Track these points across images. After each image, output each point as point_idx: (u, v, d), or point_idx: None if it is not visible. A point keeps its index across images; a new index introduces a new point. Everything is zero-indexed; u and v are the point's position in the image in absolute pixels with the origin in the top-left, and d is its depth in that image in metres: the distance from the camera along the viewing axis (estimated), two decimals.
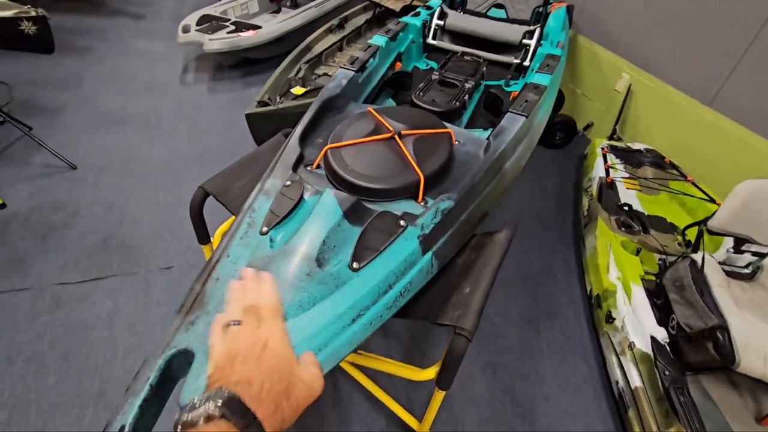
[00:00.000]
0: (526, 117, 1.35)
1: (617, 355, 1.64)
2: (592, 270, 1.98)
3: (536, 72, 1.66)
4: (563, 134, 3.01)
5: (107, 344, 1.70)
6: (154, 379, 0.65)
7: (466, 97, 1.65)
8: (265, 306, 0.59)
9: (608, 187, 2.24)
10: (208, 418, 0.43)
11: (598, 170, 2.40)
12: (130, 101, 3.17)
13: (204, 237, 1.30)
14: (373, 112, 1.28)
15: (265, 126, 2.43)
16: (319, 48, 3.49)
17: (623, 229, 1.99)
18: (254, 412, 0.44)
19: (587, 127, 3.12)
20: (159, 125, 2.96)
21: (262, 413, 0.45)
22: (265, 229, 0.90)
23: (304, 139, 1.23)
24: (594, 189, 2.29)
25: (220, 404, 0.43)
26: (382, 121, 1.24)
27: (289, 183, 1.02)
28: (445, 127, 1.25)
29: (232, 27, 3.55)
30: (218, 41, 3.28)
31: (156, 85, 3.40)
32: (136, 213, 2.27)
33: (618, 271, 1.82)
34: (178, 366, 0.69)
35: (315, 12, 3.98)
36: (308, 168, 1.12)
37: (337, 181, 1.05)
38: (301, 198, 0.98)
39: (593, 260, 1.99)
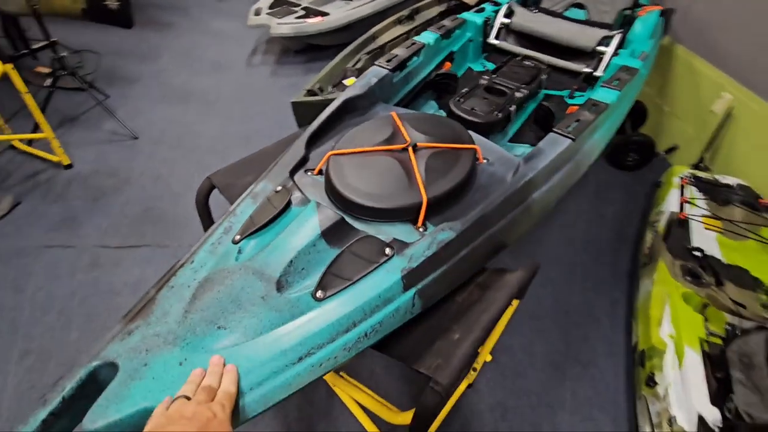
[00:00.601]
0: (573, 140, 1.14)
1: (652, 427, 1.40)
2: (642, 320, 1.71)
3: (602, 86, 1.43)
4: (638, 156, 2.65)
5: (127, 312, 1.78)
6: (69, 391, 0.61)
7: (513, 108, 1.46)
8: (222, 391, 0.62)
9: (679, 224, 1.92)
10: None
11: (670, 203, 2.06)
12: (195, 78, 3.32)
13: (208, 226, 1.28)
14: (396, 117, 1.16)
15: (310, 116, 2.37)
16: (383, 39, 3.38)
17: (689, 278, 1.69)
18: None
19: (670, 150, 2.73)
20: (216, 104, 3.06)
21: None
22: (237, 237, 0.83)
23: (314, 141, 1.14)
24: (662, 225, 1.98)
25: None
26: (401, 128, 1.11)
27: (279, 188, 0.94)
28: (472, 142, 1.10)
29: (302, 12, 3.56)
30: (285, 26, 3.30)
31: (223, 65, 3.52)
32: (179, 188, 2.36)
33: (672, 327, 1.54)
34: (105, 378, 0.65)
35: (386, 1, 3.87)
36: (309, 173, 1.04)
37: (330, 192, 0.95)
38: (288, 206, 0.90)
39: (645, 309, 1.72)
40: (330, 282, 0.76)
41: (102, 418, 0.57)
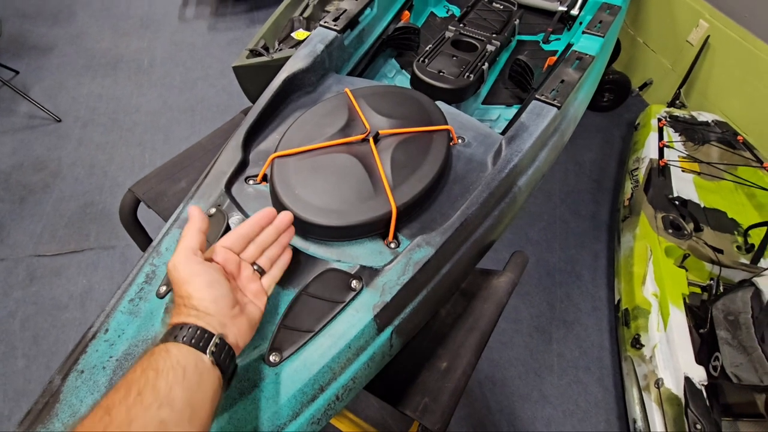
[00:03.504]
0: (559, 108, 0.99)
1: (639, 390, 1.40)
2: (624, 277, 1.67)
3: (583, 33, 1.24)
4: (613, 95, 2.52)
5: (78, 327, 1.61)
6: None
7: (485, 66, 1.27)
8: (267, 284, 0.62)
9: (660, 173, 1.85)
10: None
11: (649, 149, 1.98)
12: (122, 40, 2.88)
13: (146, 244, 1.09)
14: (351, 95, 0.96)
15: (258, 80, 2.10)
16: None
17: (671, 231, 1.64)
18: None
19: (644, 86, 2.60)
20: (151, 70, 2.68)
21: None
22: (163, 288, 0.66)
23: (255, 134, 0.94)
24: (641, 174, 1.90)
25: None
26: (359, 111, 0.92)
27: (213, 210, 0.76)
28: (444, 121, 0.93)
29: None
30: None
31: (152, 21, 3.06)
32: (119, 176, 2.09)
33: (656, 286, 1.51)
34: None
35: None
36: (251, 182, 0.85)
37: (279, 209, 0.77)
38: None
39: (627, 266, 1.68)
40: (285, 339, 0.61)
41: None
